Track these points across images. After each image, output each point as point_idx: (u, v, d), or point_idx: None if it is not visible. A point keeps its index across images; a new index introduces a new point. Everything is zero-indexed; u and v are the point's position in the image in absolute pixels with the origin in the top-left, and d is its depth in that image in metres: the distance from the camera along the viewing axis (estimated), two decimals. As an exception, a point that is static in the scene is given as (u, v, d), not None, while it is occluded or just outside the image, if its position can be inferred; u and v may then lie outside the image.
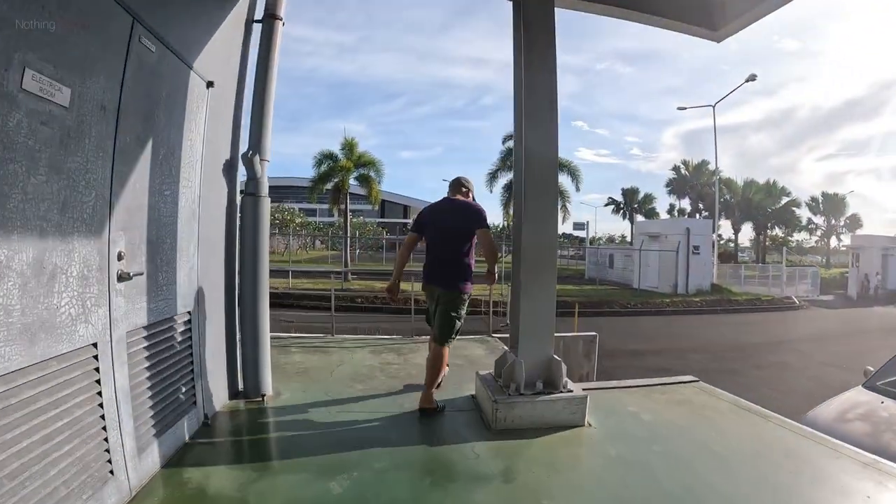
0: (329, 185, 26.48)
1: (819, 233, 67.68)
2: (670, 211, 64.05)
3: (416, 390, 4.77)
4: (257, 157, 4.45)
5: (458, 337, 4.72)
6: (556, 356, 4.33)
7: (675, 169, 61.25)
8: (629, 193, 70.03)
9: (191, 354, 3.71)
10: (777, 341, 15.31)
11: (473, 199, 4.93)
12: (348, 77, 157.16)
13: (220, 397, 4.29)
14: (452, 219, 4.60)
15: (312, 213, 61.88)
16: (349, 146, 25.98)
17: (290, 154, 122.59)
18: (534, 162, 4.28)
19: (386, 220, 70.21)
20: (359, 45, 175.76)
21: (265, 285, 4.59)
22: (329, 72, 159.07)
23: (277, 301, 16.56)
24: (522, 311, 4.30)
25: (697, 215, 54.41)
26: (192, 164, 3.68)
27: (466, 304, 4.65)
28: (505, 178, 27.60)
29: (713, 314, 21.84)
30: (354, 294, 20.09)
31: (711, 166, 59.55)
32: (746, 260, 56.57)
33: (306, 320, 10.30)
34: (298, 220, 51.88)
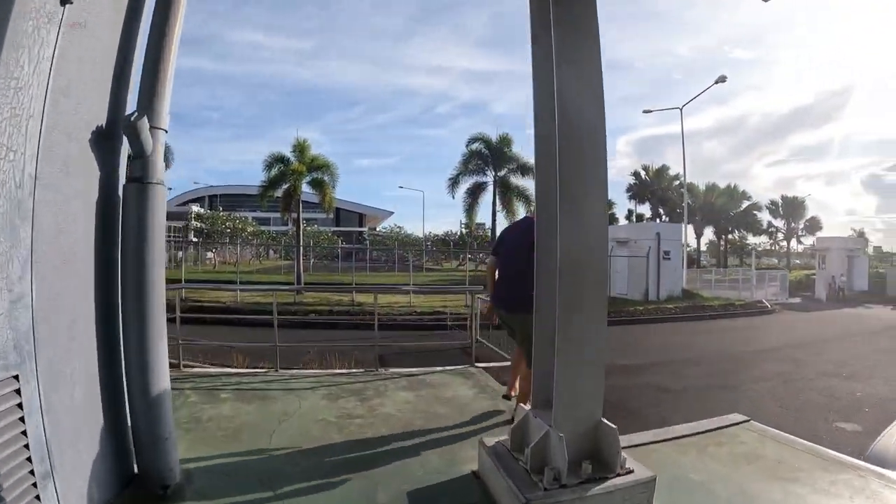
0: (280, 191, 24.76)
1: (780, 236, 68.72)
2: (629, 216, 64.01)
3: (391, 461, 3.68)
4: (146, 123, 2.86)
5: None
6: (605, 419, 2.93)
7: (636, 174, 61.10)
8: (595, 200, 69.83)
9: (26, 447, 2.22)
10: (765, 349, 14.41)
11: None
12: (307, 84, 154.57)
13: (98, 494, 2.76)
14: (523, 238, 4.24)
15: (266, 221, 60.11)
16: (300, 148, 24.12)
17: (249, 161, 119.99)
18: (572, 123, 2.87)
19: (342, 228, 68.70)
20: (318, 51, 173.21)
21: (159, 317, 3.03)
22: (288, 78, 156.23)
23: (221, 320, 15.08)
24: (560, 353, 2.86)
25: (658, 220, 54.21)
26: (18, 125, 2.17)
27: None
28: (467, 183, 26.36)
29: (690, 321, 20.91)
30: (308, 307, 18.33)
31: (672, 171, 59.98)
32: (705, 264, 56.74)
33: (252, 339, 8.77)
34: (250, 229, 49.80)
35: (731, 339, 16.63)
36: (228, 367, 7.91)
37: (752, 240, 67.70)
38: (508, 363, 6.09)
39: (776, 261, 68.98)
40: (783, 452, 4.00)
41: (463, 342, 12.79)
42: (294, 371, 6.49)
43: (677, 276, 27.58)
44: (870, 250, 43.60)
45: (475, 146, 25.16)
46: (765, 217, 64.39)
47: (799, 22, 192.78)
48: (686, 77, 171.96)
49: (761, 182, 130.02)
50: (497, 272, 4.76)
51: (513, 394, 5.00)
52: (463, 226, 62.70)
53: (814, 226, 66.56)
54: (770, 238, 69.17)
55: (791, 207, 65.58)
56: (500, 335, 8.66)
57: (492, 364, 7.31)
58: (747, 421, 4.69)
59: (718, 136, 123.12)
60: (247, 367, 7.45)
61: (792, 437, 4.37)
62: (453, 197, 26.12)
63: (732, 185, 58.58)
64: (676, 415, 7.92)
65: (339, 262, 43.67)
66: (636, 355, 12.96)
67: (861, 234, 65.24)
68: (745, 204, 59.54)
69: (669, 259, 26.68)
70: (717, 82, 29.11)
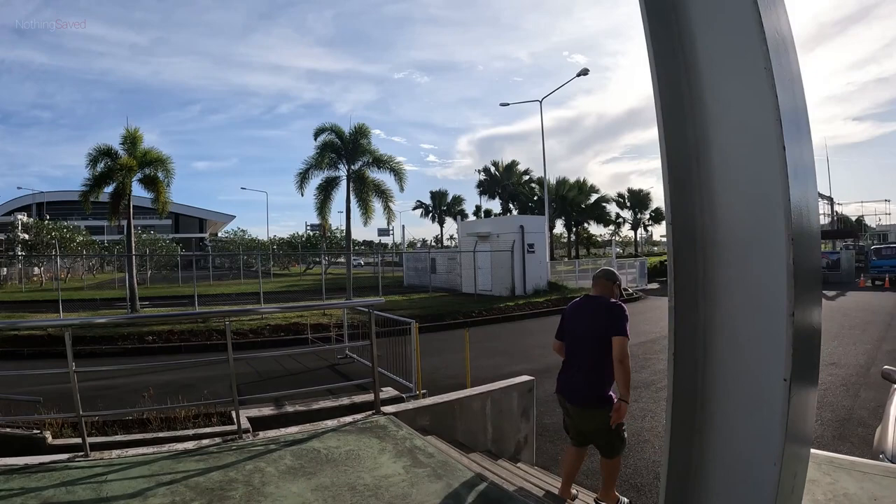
0: (110, 192, 21.29)
1: (627, 226, 72.62)
2: (476, 212, 64.95)
3: None
4: None
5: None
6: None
7: (486, 170, 61.67)
8: (438, 196, 70.25)
9: None
10: (657, 337, 14.35)
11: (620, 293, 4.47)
12: (141, 81, 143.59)
13: None
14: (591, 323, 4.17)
15: (101, 230, 54.13)
16: (131, 139, 20.74)
17: (78, 166, 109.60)
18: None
19: (182, 235, 64.02)
20: (153, 46, 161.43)
21: None
22: (121, 75, 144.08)
23: (36, 350, 12.35)
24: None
25: (508, 214, 55.13)
26: None
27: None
28: (319, 178, 24.35)
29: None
30: (143, 330, 14.60)
31: (521, 167, 61.30)
32: (556, 257, 58.54)
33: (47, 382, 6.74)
34: (80, 239, 44.33)
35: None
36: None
37: (600, 230, 71.33)
38: (406, 390, 6.11)
39: (619, 249, 72.94)
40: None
41: (337, 363, 11.52)
42: (108, 457, 4.11)
43: (542, 268, 27.37)
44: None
45: (327, 137, 23.29)
46: (612, 209, 67.94)
47: (636, 31, 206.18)
48: (526, 80, 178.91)
49: (597, 178, 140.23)
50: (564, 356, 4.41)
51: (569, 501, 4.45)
52: (309, 227, 60.70)
53: (658, 216, 70.96)
54: (618, 228, 73.02)
55: (637, 199, 69.52)
56: (379, 346, 7.85)
57: (400, 406, 5.49)
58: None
59: (556, 136, 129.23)
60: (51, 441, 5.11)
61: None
62: (302, 194, 23.89)
63: (582, 180, 60.83)
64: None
65: (179, 272, 39.90)
66: (526, 358, 12.10)
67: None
68: (595, 197, 62.03)
69: (534, 252, 26.40)
70: (579, 75, 28.92)
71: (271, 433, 4.65)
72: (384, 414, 5.09)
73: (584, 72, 28.82)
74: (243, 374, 9.79)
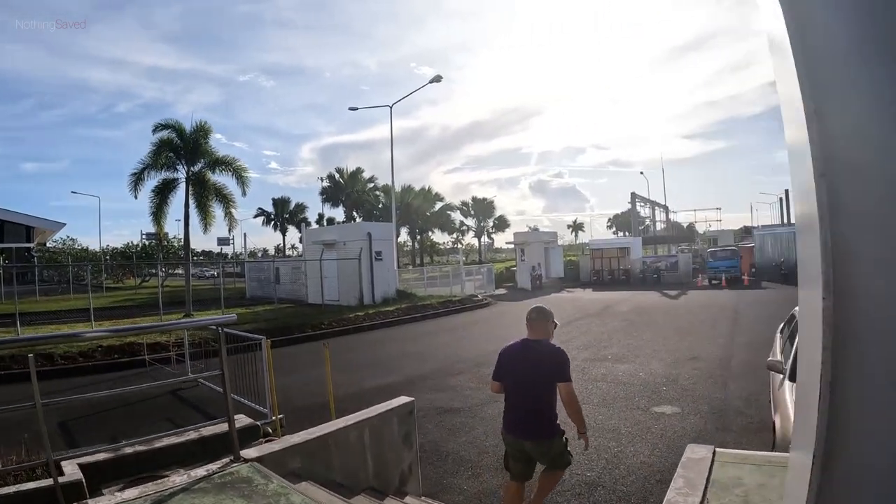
0: None
1: (471, 234, 74.00)
2: (319, 220, 63.49)
3: None
4: None
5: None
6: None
7: (330, 177, 60.60)
8: (281, 204, 67.87)
9: None
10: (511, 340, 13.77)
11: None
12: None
13: None
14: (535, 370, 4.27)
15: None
16: None
17: None
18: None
19: (6, 244, 56.63)
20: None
21: None
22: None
23: None
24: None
25: (355, 222, 54.30)
26: None
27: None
28: (156, 180, 21.88)
29: (416, 322, 20.12)
30: None
31: (366, 174, 60.72)
32: (407, 263, 58.43)
33: None
34: None
35: (473, 336, 16.08)
36: None
37: (444, 238, 72.34)
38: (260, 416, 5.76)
39: (463, 257, 74.60)
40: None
41: (180, 388, 10.00)
42: None
43: (391, 276, 26.78)
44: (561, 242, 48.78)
45: (165, 134, 20.96)
46: (456, 217, 69.04)
47: (482, 46, 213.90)
48: (373, 89, 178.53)
49: (440, 187, 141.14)
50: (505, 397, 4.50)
51: None
52: (145, 236, 56.11)
53: (502, 224, 73.21)
54: (461, 236, 74.36)
55: (481, 207, 71.07)
56: (230, 367, 7.54)
57: (265, 449, 4.34)
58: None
59: (400, 146, 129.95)
60: None
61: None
62: (136, 197, 21.40)
63: (427, 188, 61.40)
64: (496, 439, 6.63)
65: (1, 287, 34.48)
66: (386, 371, 11.42)
67: (535, 230, 73.60)
68: (440, 205, 62.74)
69: (382, 260, 25.73)
70: (431, 82, 29.14)
71: (104, 500, 3.48)
72: (246, 461, 4.02)
73: (437, 79, 28.81)
74: (72, 409, 8.41)
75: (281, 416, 6.87)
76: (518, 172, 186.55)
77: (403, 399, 5.51)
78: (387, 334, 17.43)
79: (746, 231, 64.88)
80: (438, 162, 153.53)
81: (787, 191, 57.19)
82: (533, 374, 4.26)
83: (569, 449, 4.39)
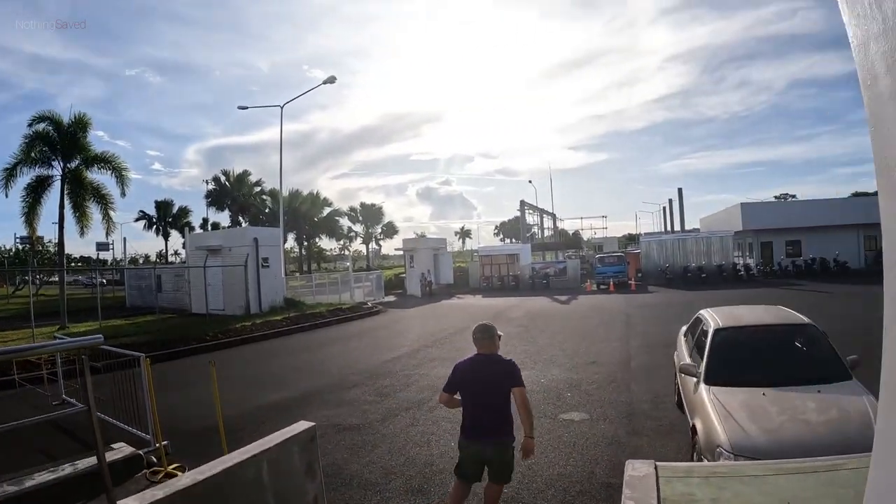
0: None
1: (359, 240, 73.40)
2: (204, 225, 61.05)
3: None
4: None
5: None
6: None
7: (216, 179, 58.46)
8: (163, 207, 64.67)
9: None
10: (407, 352, 13.81)
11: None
12: None
13: None
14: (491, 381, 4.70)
15: None
16: None
17: None
18: None
19: None
20: None
21: None
22: None
23: None
24: None
25: (240, 227, 52.57)
26: None
27: None
28: (28, 177, 19.98)
29: (307, 331, 19.55)
30: None
31: (253, 178, 58.93)
32: (294, 270, 57.11)
33: None
34: None
35: (365, 346, 15.73)
36: None
37: (332, 244, 71.42)
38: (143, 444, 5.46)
39: (351, 264, 74.20)
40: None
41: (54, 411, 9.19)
42: None
43: (278, 284, 26.16)
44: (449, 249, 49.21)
45: (41, 127, 19.23)
46: (345, 223, 68.35)
47: (375, 52, 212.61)
48: (263, 90, 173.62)
49: (328, 193, 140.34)
50: (463, 410, 4.85)
51: None
52: (18, 239, 51.79)
53: (390, 230, 73.13)
54: (349, 242, 73.62)
55: (370, 214, 70.71)
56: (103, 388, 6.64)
57: (147, 497, 3.60)
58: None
59: (288, 150, 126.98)
60: None
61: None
62: (6, 195, 19.52)
63: (315, 192, 60.33)
64: (401, 458, 6.63)
65: None
66: (278, 385, 10.93)
67: (422, 236, 74.34)
68: (328, 210, 61.83)
69: (269, 266, 25.06)
70: (325, 82, 28.63)
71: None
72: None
73: (331, 80, 28.36)
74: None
75: (165, 442, 6.34)
76: (406, 179, 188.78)
77: (303, 424, 4.84)
78: (276, 345, 16.81)
79: (630, 238, 68.27)
80: (327, 167, 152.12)
81: (670, 200, 60.92)
82: (490, 385, 4.70)
83: (514, 466, 4.83)
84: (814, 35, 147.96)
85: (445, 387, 4.91)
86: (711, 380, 5.85)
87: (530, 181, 69.90)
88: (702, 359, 6.43)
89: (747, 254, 41.27)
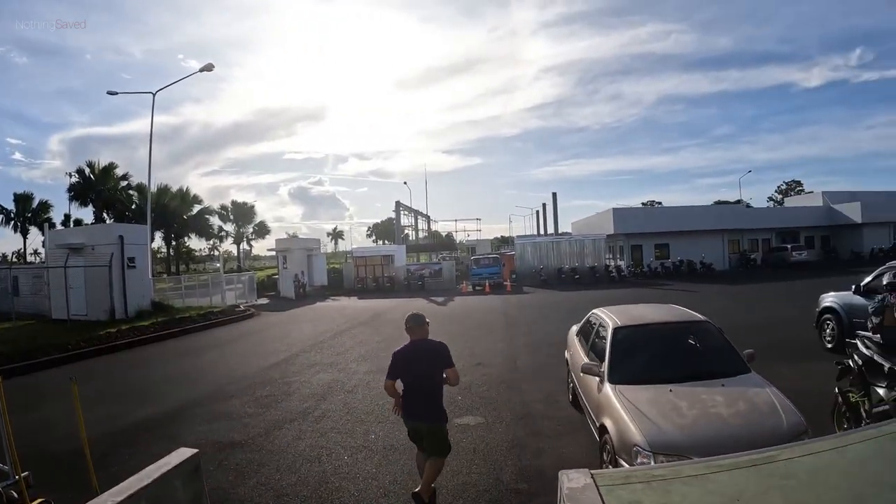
0: None
1: (230, 240, 71.12)
2: (66, 221, 56.90)
3: None
4: None
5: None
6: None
7: (80, 172, 54.72)
8: (23, 200, 59.76)
9: None
10: (291, 355, 13.53)
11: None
12: None
13: None
14: (428, 362, 5.51)
15: None
16: None
17: None
18: None
19: None
20: None
21: None
22: None
23: None
24: None
25: (104, 223, 49.64)
26: None
27: None
28: None
29: (176, 338, 18.69)
30: None
31: (120, 171, 55.85)
32: (161, 271, 54.67)
33: None
34: None
35: (241, 352, 15.25)
36: None
37: (202, 244, 68.85)
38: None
39: (222, 265, 72.08)
40: None
41: None
42: None
43: (146, 286, 24.66)
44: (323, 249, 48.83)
45: None
46: (215, 222, 66.08)
47: (254, 46, 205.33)
48: (135, 78, 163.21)
49: (198, 189, 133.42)
50: (403, 391, 5.57)
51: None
52: None
53: (262, 230, 71.38)
54: (220, 242, 71.20)
55: (241, 212, 68.72)
56: None
57: None
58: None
59: (158, 143, 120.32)
60: None
61: None
62: None
63: (185, 189, 57.93)
64: (293, 477, 6.33)
65: None
66: (150, 399, 10.28)
67: (295, 236, 73.31)
68: (198, 208, 59.54)
69: (135, 267, 23.65)
70: (202, 70, 27.09)
71: None
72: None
73: (209, 67, 26.96)
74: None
75: (26, 473, 5.39)
76: (278, 178, 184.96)
77: (185, 452, 4.22)
78: (145, 353, 15.88)
79: (503, 240, 70.52)
80: (198, 163, 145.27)
81: (543, 204, 63.55)
82: (426, 367, 5.48)
83: (449, 441, 5.59)
84: (685, 56, 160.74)
85: (389, 374, 5.56)
86: (616, 379, 5.91)
87: (405, 182, 71.08)
88: (601, 358, 6.53)
89: (618, 256, 43.64)
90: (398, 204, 52.33)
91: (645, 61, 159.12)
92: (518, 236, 49.36)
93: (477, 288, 33.79)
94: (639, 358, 6.46)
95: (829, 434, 3.03)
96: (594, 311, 8.01)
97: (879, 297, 7.57)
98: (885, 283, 7.81)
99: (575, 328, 8.92)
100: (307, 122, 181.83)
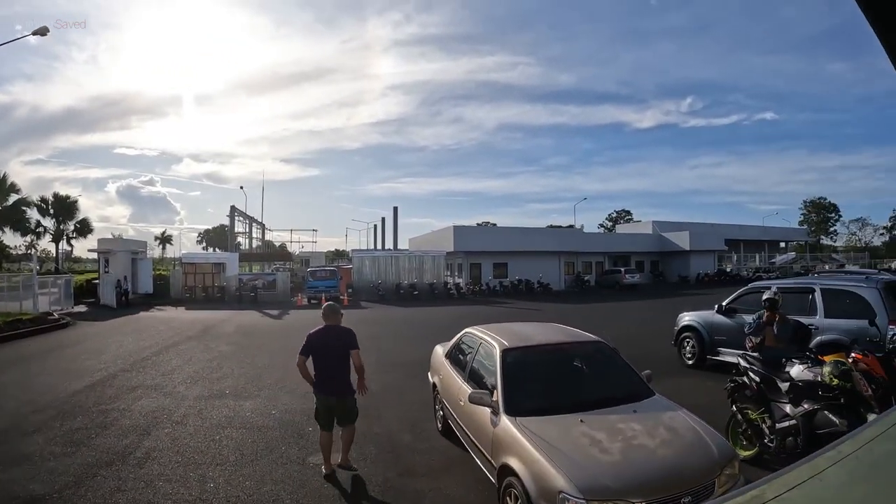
0: None
1: (48, 237, 65.40)
2: None
3: None
4: None
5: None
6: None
7: None
8: None
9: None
10: (108, 376, 11.96)
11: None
12: None
13: None
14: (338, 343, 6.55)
15: None
16: None
17: None
18: None
19: None
20: None
21: None
22: None
23: None
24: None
25: None
26: None
27: None
28: None
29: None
30: None
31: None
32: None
33: None
34: None
35: (53, 370, 13.24)
36: None
37: (16, 240, 63.20)
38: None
39: (38, 266, 66.87)
40: None
41: None
42: None
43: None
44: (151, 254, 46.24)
45: None
46: (34, 216, 60.94)
47: (97, 25, 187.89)
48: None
49: (19, 179, 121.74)
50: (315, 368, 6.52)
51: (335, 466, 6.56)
52: None
53: (84, 228, 66.15)
54: (37, 238, 65.53)
55: (63, 207, 63.21)
56: None
57: None
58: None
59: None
60: None
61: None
62: None
63: (2, 176, 52.99)
64: None
65: None
66: None
67: (120, 237, 69.15)
68: (14, 198, 54.68)
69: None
70: (35, 33, 23.99)
71: None
72: None
73: (43, 31, 23.95)
74: None
75: None
76: (108, 174, 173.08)
77: None
78: None
79: (338, 253, 70.62)
80: (22, 149, 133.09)
81: (382, 218, 64.14)
82: (337, 347, 6.47)
83: (357, 409, 6.71)
84: (528, 88, 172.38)
85: (302, 350, 6.47)
86: (514, 410, 5.24)
87: (241, 187, 68.46)
88: (484, 386, 5.98)
89: (457, 273, 44.87)
90: (233, 209, 50.09)
91: (489, 89, 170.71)
92: (354, 250, 49.53)
93: (313, 301, 33.16)
94: (536, 384, 5.95)
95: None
96: (468, 330, 7.51)
97: (755, 316, 8.10)
98: (764, 298, 8.04)
99: (441, 348, 8.31)
100: (144, 116, 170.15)
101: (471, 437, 6.05)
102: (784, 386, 6.25)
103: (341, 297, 34.42)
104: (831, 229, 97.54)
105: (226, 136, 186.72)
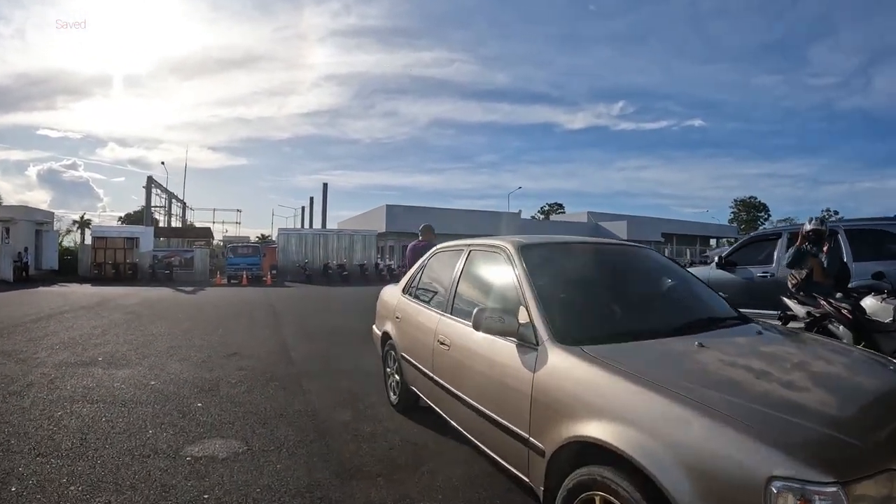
0: None
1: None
2: None
3: None
4: None
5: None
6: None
7: None
8: None
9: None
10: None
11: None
12: None
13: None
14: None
15: None
16: None
17: None
18: None
19: None
20: None
21: None
22: None
23: None
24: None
25: None
26: None
27: None
28: None
29: None
30: None
31: None
32: None
33: None
34: None
35: None
36: None
37: None
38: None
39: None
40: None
41: None
42: None
43: None
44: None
45: None
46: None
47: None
48: None
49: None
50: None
51: None
52: None
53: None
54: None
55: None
56: None
57: None
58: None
59: None
60: None
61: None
62: None
63: None
64: None
65: None
66: None
67: (23, 206, 65.66)
68: None
69: None
70: None
71: None
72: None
73: None
74: None
75: None
76: (29, 156, 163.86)
77: None
78: None
79: (263, 239, 69.02)
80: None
81: (311, 198, 62.39)
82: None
83: None
84: (463, 85, 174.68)
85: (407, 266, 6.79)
86: (576, 333, 3.02)
87: (163, 162, 64.85)
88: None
89: (388, 255, 43.12)
90: (150, 179, 45.69)
91: (424, 84, 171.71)
92: (281, 228, 47.28)
93: (233, 281, 31.06)
94: (589, 296, 3.75)
95: None
96: (441, 246, 5.49)
97: (793, 248, 6.99)
98: (807, 230, 6.87)
99: (393, 287, 6.24)
100: (70, 97, 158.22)
101: (469, 401, 3.62)
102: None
103: (264, 277, 32.33)
104: (760, 227, 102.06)
105: (153, 121, 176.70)
